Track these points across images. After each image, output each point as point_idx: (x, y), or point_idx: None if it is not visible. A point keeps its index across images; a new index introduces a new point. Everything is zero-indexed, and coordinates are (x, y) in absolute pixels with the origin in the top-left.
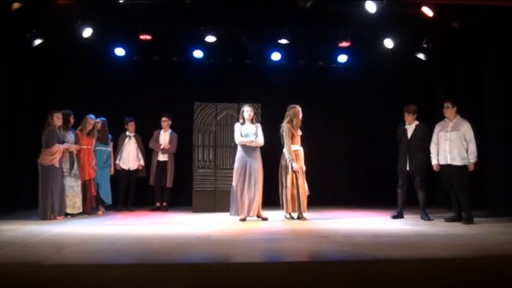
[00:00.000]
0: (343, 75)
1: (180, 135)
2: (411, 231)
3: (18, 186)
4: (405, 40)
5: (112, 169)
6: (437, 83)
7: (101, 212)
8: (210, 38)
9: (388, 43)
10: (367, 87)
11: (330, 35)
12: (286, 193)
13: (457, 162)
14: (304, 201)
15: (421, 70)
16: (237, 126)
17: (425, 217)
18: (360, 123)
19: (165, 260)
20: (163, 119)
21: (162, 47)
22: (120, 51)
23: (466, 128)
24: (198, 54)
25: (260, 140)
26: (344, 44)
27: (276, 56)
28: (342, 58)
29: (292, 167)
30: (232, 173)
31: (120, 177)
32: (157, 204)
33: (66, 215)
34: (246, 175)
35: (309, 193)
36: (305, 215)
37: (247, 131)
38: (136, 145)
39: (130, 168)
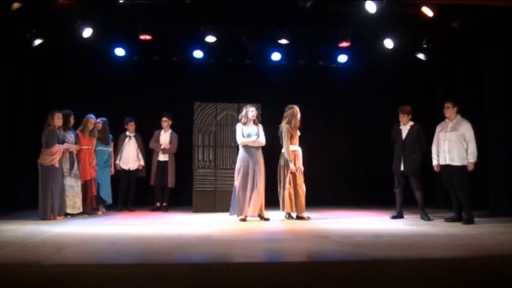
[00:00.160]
0: (343, 75)
1: (180, 135)
2: (411, 231)
3: (18, 186)
4: (405, 40)
5: (112, 169)
6: (437, 83)
7: (100, 212)
8: (210, 38)
9: (388, 43)
10: (367, 87)
11: (330, 35)
12: (284, 193)
13: (456, 162)
14: (302, 200)
15: (421, 70)
16: (239, 126)
17: (425, 217)
18: (360, 123)
19: (165, 260)
20: (164, 119)
21: (162, 47)
22: (120, 51)
23: (466, 128)
24: (198, 54)
25: (262, 140)
26: (344, 44)
27: (276, 56)
28: (342, 58)
29: (290, 168)
30: (232, 173)
31: (120, 177)
32: (158, 204)
33: (66, 215)
34: (249, 176)
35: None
36: (305, 214)
37: (250, 131)
38: (136, 145)
39: (131, 168)
